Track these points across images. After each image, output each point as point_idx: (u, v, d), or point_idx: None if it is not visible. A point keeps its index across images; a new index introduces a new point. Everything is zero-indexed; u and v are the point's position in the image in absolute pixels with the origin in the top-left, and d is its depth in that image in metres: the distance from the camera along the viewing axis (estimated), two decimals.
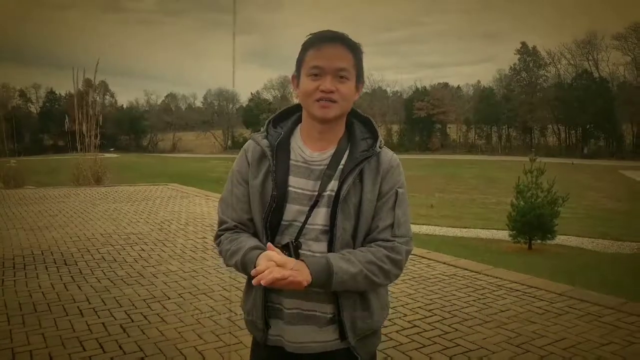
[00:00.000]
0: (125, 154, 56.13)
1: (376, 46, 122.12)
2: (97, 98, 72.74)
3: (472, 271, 5.19)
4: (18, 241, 6.68)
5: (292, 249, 1.38)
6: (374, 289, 1.48)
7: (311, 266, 1.32)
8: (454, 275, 5.10)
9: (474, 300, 4.35)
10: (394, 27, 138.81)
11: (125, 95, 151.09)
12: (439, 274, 5.16)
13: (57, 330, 3.77)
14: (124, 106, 76.74)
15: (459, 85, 77.41)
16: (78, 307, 4.27)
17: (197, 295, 4.56)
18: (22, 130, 64.26)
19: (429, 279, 5.00)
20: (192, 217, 8.50)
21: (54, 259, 5.84)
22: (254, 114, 71.32)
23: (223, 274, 5.24)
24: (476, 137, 69.65)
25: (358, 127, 1.54)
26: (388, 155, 1.51)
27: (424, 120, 66.42)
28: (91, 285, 4.86)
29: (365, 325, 1.47)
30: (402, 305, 4.25)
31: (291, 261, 1.31)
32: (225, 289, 4.75)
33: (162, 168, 33.36)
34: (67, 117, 15.49)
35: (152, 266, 5.57)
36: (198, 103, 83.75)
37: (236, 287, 4.72)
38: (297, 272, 1.29)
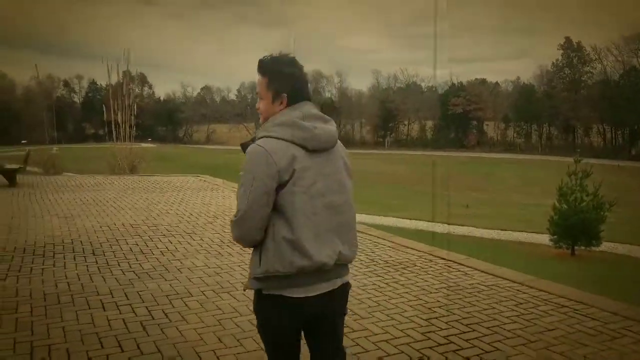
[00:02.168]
0: (162, 145, 57.29)
1: (410, 39, 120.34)
2: (136, 89, 74.31)
3: (514, 282, 4.86)
4: (51, 229, 6.73)
5: None
6: None
7: None
8: (494, 285, 4.79)
9: (517, 316, 4.04)
10: (429, 21, 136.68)
11: (163, 88, 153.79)
12: (478, 283, 4.86)
13: (78, 324, 3.70)
14: (162, 98, 78.26)
15: (497, 82, 75.40)
16: (101, 300, 4.20)
17: (220, 294, 4.42)
18: (66, 119, 66.57)
19: (466, 288, 4.71)
20: (220, 210, 8.42)
21: (83, 248, 5.83)
22: None
23: (247, 271, 5.10)
24: (515, 135, 67.84)
25: None
26: (249, 147, 1.94)
27: (459, 116, 65.08)
28: (116, 278, 4.80)
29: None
30: (436, 318, 3.99)
31: None
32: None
33: (195, 159, 33.80)
34: (104, 107, 15.71)
35: (178, 260, 5.49)
36: (232, 96, 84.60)
37: None
38: None
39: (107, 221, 7.30)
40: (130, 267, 5.18)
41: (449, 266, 5.50)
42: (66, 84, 71.66)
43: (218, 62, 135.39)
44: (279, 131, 1.91)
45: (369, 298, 4.43)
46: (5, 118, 53.88)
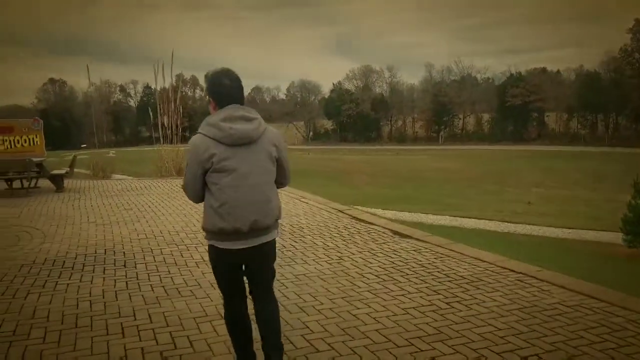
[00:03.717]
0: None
1: (463, 31, 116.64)
2: (188, 92, 75.96)
3: (603, 301, 4.01)
4: (86, 237, 6.45)
5: None
6: None
7: None
8: (579, 306, 3.97)
9: (613, 349, 3.23)
10: (482, 12, 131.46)
11: None
12: (558, 303, 4.05)
13: (91, 356, 3.24)
14: None
15: (558, 70, 71.24)
16: (121, 324, 3.74)
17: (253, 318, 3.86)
18: (123, 123, 69.14)
19: (545, 310, 3.91)
20: None
21: (114, 259, 5.46)
22: (336, 104, 70.88)
23: (287, 287, 4.52)
24: (579, 126, 63.98)
25: None
26: None
27: (518, 108, 62.04)
28: (143, 295, 4.35)
29: None
30: (512, 350, 3.24)
31: None
32: (283, 315, 4.01)
33: None
34: (149, 110, 15.69)
35: (212, 273, 4.97)
36: (282, 95, 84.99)
37: (296, 319, 3.96)
38: None
39: (144, 228, 6.96)
40: (160, 281, 4.74)
41: (521, 280, 4.71)
42: (122, 89, 74.59)
43: (268, 63, 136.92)
44: (206, 129, 2.58)
45: (427, 323, 3.73)
46: (66, 123, 56.66)
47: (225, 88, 2.63)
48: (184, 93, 71.64)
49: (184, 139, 16.19)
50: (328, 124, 76.74)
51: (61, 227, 7.05)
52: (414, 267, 5.17)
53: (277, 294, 4.41)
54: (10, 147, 13.24)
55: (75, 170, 13.92)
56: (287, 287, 4.56)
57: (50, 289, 4.49)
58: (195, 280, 4.75)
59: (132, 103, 74.25)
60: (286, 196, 9.86)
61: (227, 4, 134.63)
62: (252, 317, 2.96)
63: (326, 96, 77.94)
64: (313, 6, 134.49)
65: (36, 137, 13.54)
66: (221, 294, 2.93)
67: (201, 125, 2.62)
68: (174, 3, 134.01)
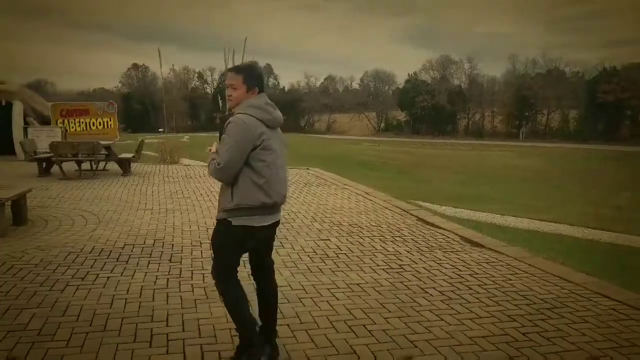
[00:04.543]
0: (283, 134, 58.67)
1: (552, 22, 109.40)
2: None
3: None
4: (139, 226, 6.30)
5: None
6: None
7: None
8: None
9: None
10: (577, 1, 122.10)
11: (288, 78, 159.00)
12: None
13: None
14: (286, 88, 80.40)
15: None
16: (151, 330, 3.41)
17: (296, 331, 3.40)
18: (199, 109, 71.56)
19: None
20: (321, 211, 7.45)
21: (161, 252, 5.22)
22: (410, 95, 68.84)
23: (337, 299, 4.00)
24: None
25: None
26: (231, 119, 2.76)
27: (611, 105, 57.02)
28: (181, 296, 4.02)
29: (219, 203, 2.92)
30: None
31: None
32: (328, 332, 3.50)
33: (313, 148, 33.64)
34: (219, 96, 15.71)
35: None
36: (355, 85, 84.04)
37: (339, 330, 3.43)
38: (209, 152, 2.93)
39: (197, 219, 6.72)
40: (203, 280, 4.40)
41: (616, 310, 3.91)
42: (200, 75, 76.98)
43: (342, 52, 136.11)
44: (251, 111, 2.80)
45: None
46: (146, 108, 59.52)
47: (262, 79, 2.96)
48: None
49: None
50: (401, 116, 74.92)
51: (117, 212, 6.98)
52: (486, 285, 4.47)
53: (325, 306, 3.93)
54: (86, 128, 13.77)
55: (147, 153, 14.24)
56: (337, 299, 4.05)
57: (89, 282, 4.28)
58: (241, 279, 4.35)
59: (209, 90, 76.55)
60: (350, 192, 9.34)
61: None
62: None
63: (400, 87, 76.05)
64: None
65: (110, 120, 14.00)
66: (223, 271, 2.99)
67: (242, 106, 2.82)
68: None
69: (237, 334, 3.02)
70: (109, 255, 5.05)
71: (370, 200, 8.57)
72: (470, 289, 4.37)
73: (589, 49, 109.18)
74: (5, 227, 5.57)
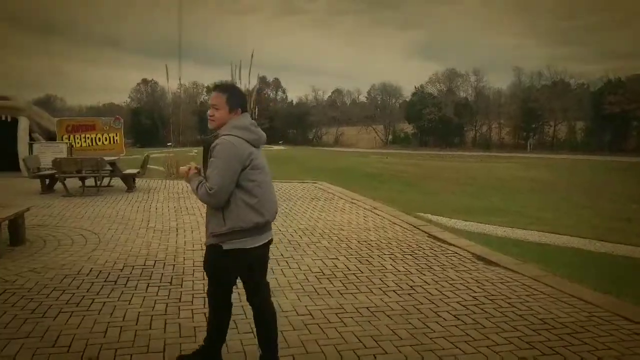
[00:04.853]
0: (292, 147, 58.67)
1: (557, 34, 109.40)
2: (270, 94, 77.32)
3: None
4: (140, 245, 6.11)
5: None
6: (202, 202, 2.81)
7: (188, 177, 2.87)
8: None
9: None
10: (579, 14, 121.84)
11: (296, 92, 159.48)
12: None
13: None
14: (294, 102, 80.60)
15: None
16: None
17: (298, 356, 3.16)
18: (207, 123, 71.59)
19: None
20: (328, 228, 7.22)
21: (162, 274, 5.01)
22: (417, 108, 68.72)
23: (345, 325, 3.76)
24: None
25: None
26: (217, 141, 2.72)
27: (617, 116, 56.55)
28: (179, 324, 3.80)
29: (208, 228, 2.86)
30: None
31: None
32: (342, 351, 3.26)
33: (320, 161, 33.47)
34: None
35: None
36: (362, 98, 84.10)
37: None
38: (181, 170, 2.92)
39: (202, 237, 6.50)
40: (204, 305, 4.16)
41: (639, 334, 3.64)
42: (209, 90, 77.24)
43: (350, 66, 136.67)
44: (237, 132, 2.78)
45: None
46: (155, 122, 59.77)
47: (246, 98, 3.03)
48: (266, 95, 73.01)
49: (269, 141, 15.91)
50: (408, 128, 74.76)
51: (119, 231, 6.80)
52: (502, 307, 4.22)
53: (333, 333, 3.69)
54: (92, 144, 13.69)
55: (154, 167, 14.11)
56: (345, 325, 3.81)
57: (84, 307, 4.07)
58: (242, 307, 4.12)
59: None
60: (358, 207, 9.12)
61: (316, 9, 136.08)
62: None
63: (407, 99, 75.96)
64: (402, 8, 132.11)
65: (116, 135, 13.91)
66: (220, 296, 2.99)
67: (227, 128, 2.79)
68: (262, 7, 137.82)
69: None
70: (106, 277, 4.85)
71: (379, 215, 8.33)
72: (486, 312, 4.12)
73: (592, 61, 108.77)
74: (1, 248, 5.39)
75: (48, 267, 5.08)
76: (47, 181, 10.25)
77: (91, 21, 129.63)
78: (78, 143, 13.48)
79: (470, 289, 4.67)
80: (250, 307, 3.05)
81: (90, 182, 10.48)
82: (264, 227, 2.84)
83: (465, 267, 5.42)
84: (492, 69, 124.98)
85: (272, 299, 4.34)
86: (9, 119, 13.66)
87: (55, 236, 6.42)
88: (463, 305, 4.26)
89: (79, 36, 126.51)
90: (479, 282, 4.87)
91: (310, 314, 4.00)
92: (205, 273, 2.99)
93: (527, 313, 4.10)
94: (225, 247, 2.75)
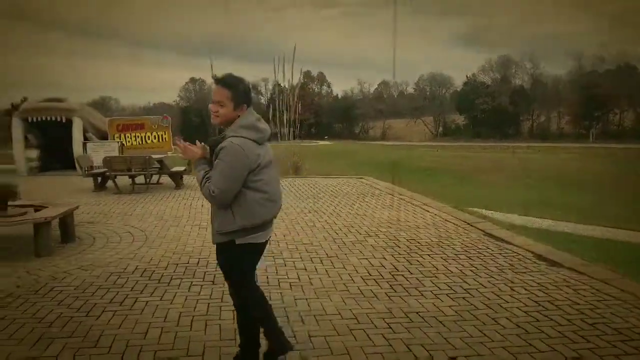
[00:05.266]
0: (337, 142, 58.44)
1: (619, 16, 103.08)
2: (315, 88, 77.02)
3: None
4: (185, 243, 6.06)
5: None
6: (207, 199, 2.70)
7: (196, 160, 2.76)
8: None
9: None
10: None
11: (341, 85, 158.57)
12: None
13: None
14: (339, 95, 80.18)
15: None
16: None
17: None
18: None
19: None
20: (375, 225, 6.94)
21: (205, 272, 4.92)
22: (469, 98, 66.67)
23: (393, 331, 3.50)
24: None
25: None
26: (224, 143, 2.62)
27: None
28: (220, 325, 3.67)
29: (214, 225, 2.77)
30: None
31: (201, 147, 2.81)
32: None
33: (367, 155, 33.06)
34: (270, 107, 15.59)
35: (305, 299, 4.17)
36: (410, 90, 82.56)
37: None
38: (188, 149, 2.78)
39: None
40: None
41: None
42: (253, 86, 77.99)
43: (396, 57, 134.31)
44: (245, 132, 2.67)
45: None
46: (204, 120, 61.35)
47: (251, 92, 2.85)
48: (311, 90, 72.92)
49: (315, 136, 15.83)
50: (459, 119, 72.69)
51: (165, 228, 6.81)
52: (569, 315, 3.82)
53: (380, 340, 3.44)
54: (141, 142, 14.00)
55: None
56: (393, 331, 3.55)
57: (127, 307, 4.02)
58: (284, 309, 3.95)
59: (263, 100, 77.77)
60: (407, 204, 8.78)
61: (350, 2, 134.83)
62: None
63: (458, 89, 73.87)
64: None
65: (164, 133, 14.16)
66: (245, 284, 2.91)
67: (233, 128, 2.69)
68: (300, 2, 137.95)
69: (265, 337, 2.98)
70: (150, 276, 4.80)
71: (429, 212, 7.97)
72: (551, 319, 3.74)
73: None
74: (51, 245, 5.48)
75: (95, 265, 5.11)
76: (99, 179, 10.52)
77: (142, 26, 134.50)
78: (129, 142, 13.84)
79: (532, 293, 4.29)
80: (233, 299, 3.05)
81: (140, 179, 10.67)
82: (270, 222, 2.86)
83: (525, 268, 5.01)
84: (548, 55, 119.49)
85: (316, 300, 4.19)
86: (64, 120, 14.21)
87: (104, 233, 6.50)
88: (524, 312, 3.89)
89: (132, 40, 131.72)
90: (541, 286, 4.47)
91: (356, 318, 3.77)
92: (223, 273, 2.95)
93: (599, 321, 3.69)
94: (238, 241, 2.72)
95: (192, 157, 2.78)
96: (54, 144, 15.15)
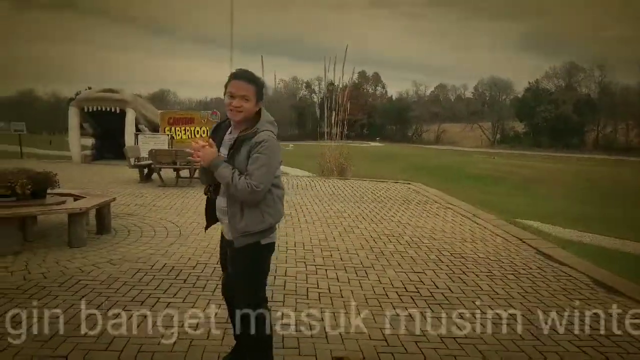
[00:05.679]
0: (389, 144, 57.53)
1: None
2: (369, 89, 76.28)
3: None
4: (216, 242, 5.83)
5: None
6: (233, 195, 2.56)
7: (215, 159, 2.56)
8: None
9: None
10: None
11: (397, 87, 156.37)
12: None
13: None
14: (393, 97, 79.01)
15: None
16: None
17: None
18: (306, 118, 73.06)
19: None
20: (418, 236, 6.54)
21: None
22: (530, 105, 63.98)
23: (427, 358, 3.14)
24: None
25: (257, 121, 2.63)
26: (261, 136, 2.54)
27: None
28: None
29: (239, 226, 2.61)
30: None
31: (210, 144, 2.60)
32: None
33: (419, 160, 32.23)
34: (317, 107, 15.37)
35: (334, 312, 3.89)
36: (468, 94, 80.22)
37: None
38: (205, 152, 2.56)
39: (279, 236, 6.19)
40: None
41: None
42: (308, 85, 78.45)
43: (454, 60, 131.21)
44: (273, 128, 2.66)
45: None
46: None
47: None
48: (365, 90, 72.23)
49: (366, 137, 15.46)
50: (519, 127, 69.85)
51: (200, 225, 6.69)
52: (629, 354, 3.33)
53: None
54: (191, 136, 14.15)
55: None
56: (425, 357, 3.19)
57: (147, 307, 3.87)
58: (309, 323, 3.68)
59: (316, 99, 77.91)
60: (455, 213, 8.30)
61: (407, 2, 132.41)
62: None
63: (520, 95, 70.99)
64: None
65: None
66: (263, 295, 2.86)
67: (263, 123, 2.63)
68: (354, 2, 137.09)
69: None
70: (177, 275, 4.67)
71: (479, 224, 7.46)
72: (606, 357, 3.27)
73: None
74: (85, 236, 5.47)
75: (125, 259, 5.04)
76: (145, 171, 10.65)
77: (200, 23, 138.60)
78: (178, 135, 14.03)
79: (587, 325, 3.80)
80: (226, 300, 3.03)
81: (185, 173, 10.73)
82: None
83: (581, 294, 4.50)
84: (616, 63, 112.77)
85: (342, 317, 3.89)
86: (117, 111, 14.59)
87: (140, 227, 6.48)
88: (577, 346, 3.44)
89: (190, 37, 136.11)
90: (598, 317, 3.97)
91: (385, 340, 3.44)
92: (243, 278, 2.71)
93: None
94: (264, 241, 2.66)
95: (210, 158, 2.55)
96: (108, 133, 15.62)
